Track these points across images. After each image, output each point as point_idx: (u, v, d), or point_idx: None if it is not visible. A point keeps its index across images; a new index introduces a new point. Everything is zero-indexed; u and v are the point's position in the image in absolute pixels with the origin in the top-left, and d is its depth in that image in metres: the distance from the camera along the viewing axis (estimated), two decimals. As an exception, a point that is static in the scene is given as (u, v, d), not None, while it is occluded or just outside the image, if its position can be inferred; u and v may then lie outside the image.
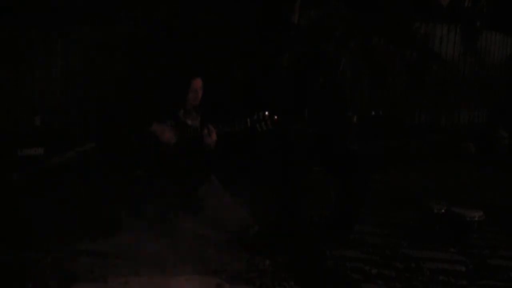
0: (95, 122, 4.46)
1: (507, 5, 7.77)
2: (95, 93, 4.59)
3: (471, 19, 7.81)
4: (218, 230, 3.53)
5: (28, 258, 3.08)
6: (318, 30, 5.32)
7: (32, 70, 4.47)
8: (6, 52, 4.31)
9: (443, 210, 3.89)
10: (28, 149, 3.92)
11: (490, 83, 8.53)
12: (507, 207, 4.73)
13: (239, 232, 3.55)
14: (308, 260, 3.39)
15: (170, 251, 3.15)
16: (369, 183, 3.74)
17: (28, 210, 3.55)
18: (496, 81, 8.67)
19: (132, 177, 3.54)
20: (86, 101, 4.61)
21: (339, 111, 3.80)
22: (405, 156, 6.62)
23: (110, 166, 3.69)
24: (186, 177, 3.56)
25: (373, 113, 3.81)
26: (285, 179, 3.71)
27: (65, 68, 4.62)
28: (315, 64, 3.83)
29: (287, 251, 3.40)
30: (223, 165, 3.80)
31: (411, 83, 7.09)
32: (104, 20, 4.60)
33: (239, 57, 5.16)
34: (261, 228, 3.60)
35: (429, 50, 7.17)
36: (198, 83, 3.64)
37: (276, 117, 3.46)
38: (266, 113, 3.45)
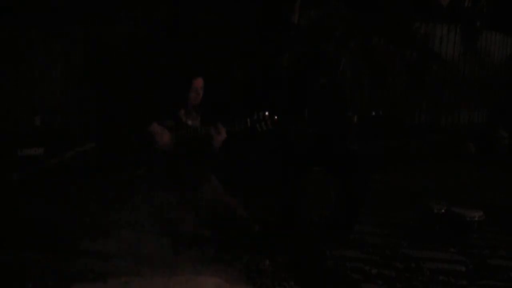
0: (95, 122, 4.47)
1: (507, 5, 7.77)
2: (95, 93, 4.59)
3: (471, 19, 7.82)
4: (218, 230, 3.53)
5: (28, 258, 3.08)
6: (318, 30, 5.33)
7: (32, 70, 4.47)
8: (6, 52, 4.31)
9: (443, 210, 3.89)
10: (28, 149, 3.93)
11: (490, 83, 8.53)
12: (507, 207, 4.73)
13: (239, 232, 3.55)
14: (308, 260, 3.39)
15: (170, 251, 3.16)
16: (369, 183, 3.74)
17: (28, 210, 3.55)
18: (496, 81, 8.67)
19: (132, 177, 3.54)
20: (86, 101, 4.61)
21: (339, 111, 3.80)
22: (405, 156, 6.62)
23: (110, 166, 3.69)
24: (186, 177, 3.56)
25: (373, 113, 3.80)
26: (285, 179, 3.71)
27: (65, 68, 4.62)
28: (315, 64, 3.83)
29: (287, 251, 3.40)
30: (223, 165, 3.80)
31: (411, 83, 7.10)
32: (104, 20, 4.60)
33: (239, 57, 5.16)
34: (261, 228, 3.60)
35: (429, 50, 7.17)
36: (199, 82, 3.64)
37: (276, 117, 3.46)
38: (266, 113, 3.45)
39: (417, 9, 6.56)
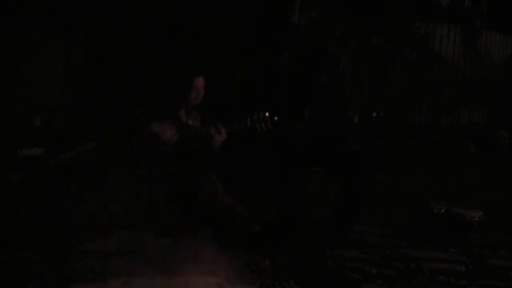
0: (95, 122, 4.46)
1: (507, 5, 7.77)
2: (95, 93, 4.59)
3: (471, 19, 7.81)
4: (218, 230, 3.53)
5: (28, 258, 3.08)
6: (318, 30, 5.33)
7: (32, 70, 4.47)
8: (6, 52, 4.31)
9: (443, 210, 3.89)
10: (28, 149, 3.92)
11: (490, 83, 8.53)
12: (507, 207, 4.73)
13: (239, 232, 3.55)
14: (308, 260, 3.39)
15: (170, 251, 3.16)
16: (369, 183, 3.74)
17: (28, 210, 3.55)
18: (496, 81, 8.67)
19: (132, 177, 3.54)
20: (86, 101, 4.61)
21: (339, 111, 3.80)
22: (405, 156, 6.62)
23: (110, 166, 3.69)
24: (186, 177, 3.56)
25: (374, 114, 3.80)
26: (285, 179, 3.71)
27: (65, 68, 4.62)
28: (315, 64, 3.83)
29: (287, 251, 3.40)
30: (223, 165, 3.80)
31: (411, 83, 7.10)
32: (104, 20, 4.60)
33: (239, 57, 5.16)
34: (261, 228, 3.60)
35: (429, 50, 7.17)
36: (200, 82, 3.64)
37: (276, 118, 3.46)
38: (267, 114, 3.45)
39: (417, 9, 6.56)
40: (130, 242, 3.27)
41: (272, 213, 3.85)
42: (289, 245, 3.47)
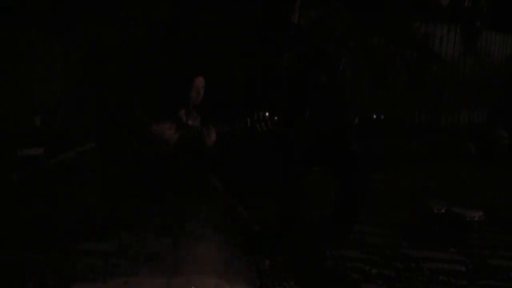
0: (95, 122, 4.46)
1: (507, 5, 7.77)
2: (95, 93, 4.59)
3: (471, 19, 7.81)
4: (218, 230, 3.53)
5: (28, 258, 3.08)
6: (318, 30, 5.32)
7: (32, 70, 4.47)
8: (6, 52, 4.31)
9: (443, 210, 3.89)
10: (28, 149, 3.92)
11: (490, 83, 8.53)
12: (507, 207, 4.74)
13: (239, 232, 3.55)
14: (308, 260, 3.39)
15: (170, 251, 3.16)
16: (369, 183, 3.74)
17: (28, 210, 3.55)
18: (496, 81, 8.66)
19: (132, 177, 3.54)
20: (86, 101, 4.60)
21: (339, 111, 3.80)
22: (405, 156, 6.62)
23: (110, 166, 3.69)
24: (186, 177, 3.56)
25: (374, 116, 3.81)
26: (285, 179, 3.71)
27: (65, 68, 4.62)
28: (315, 64, 3.82)
29: (287, 251, 3.40)
30: (223, 165, 3.80)
31: (411, 83, 7.09)
32: (104, 20, 4.60)
33: (239, 57, 5.15)
34: (261, 228, 3.60)
35: (429, 50, 7.17)
36: (200, 81, 3.65)
37: (276, 118, 3.46)
38: (267, 114, 3.45)
39: (417, 9, 6.56)
40: (130, 242, 3.27)
41: (272, 213, 3.85)
42: (289, 245, 3.47)
